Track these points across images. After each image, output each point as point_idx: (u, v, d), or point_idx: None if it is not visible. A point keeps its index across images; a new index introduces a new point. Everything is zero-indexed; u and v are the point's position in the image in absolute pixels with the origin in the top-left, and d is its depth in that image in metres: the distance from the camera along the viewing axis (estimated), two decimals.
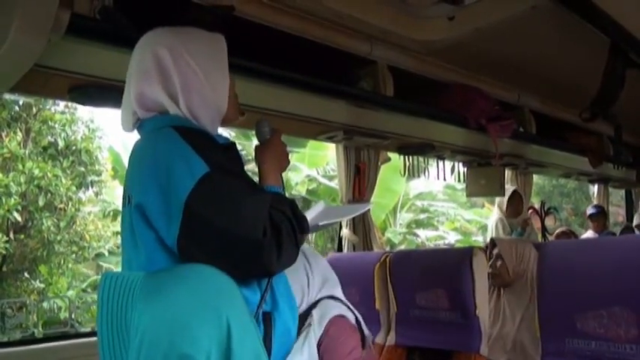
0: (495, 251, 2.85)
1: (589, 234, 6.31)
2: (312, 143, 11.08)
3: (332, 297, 1.83)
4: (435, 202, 15.94)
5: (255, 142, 1.88)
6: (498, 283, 2.84)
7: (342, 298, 1.86)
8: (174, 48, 1.63)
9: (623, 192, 7.70)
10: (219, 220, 1.42)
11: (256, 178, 1.74)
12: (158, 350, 1.26)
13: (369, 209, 3.69)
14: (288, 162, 1.84)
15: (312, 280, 1.80)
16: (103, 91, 2.37)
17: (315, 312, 1.74)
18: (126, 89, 1.69)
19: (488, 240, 3.50)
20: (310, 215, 1.67)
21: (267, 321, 1.56)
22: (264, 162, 1.76)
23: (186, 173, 1.44)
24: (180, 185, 1.42)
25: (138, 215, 1.50)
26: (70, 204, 9.78)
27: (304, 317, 1.76)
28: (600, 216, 6.33)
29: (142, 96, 1.63)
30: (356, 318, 1.85)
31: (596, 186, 7.02)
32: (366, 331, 1.88)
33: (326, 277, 1.86)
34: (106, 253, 11.57)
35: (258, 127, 1.85)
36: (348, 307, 1.84)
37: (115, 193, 13.11)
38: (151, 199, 1.47)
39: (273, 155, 1.78)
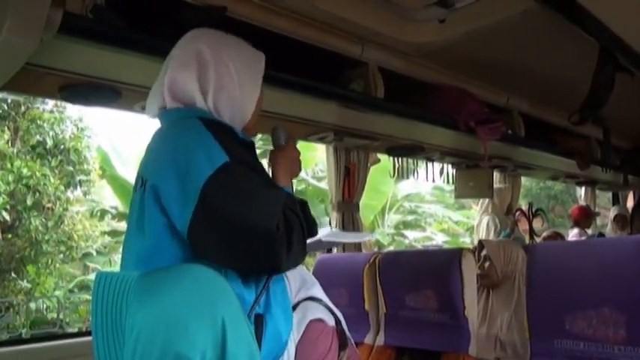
0: (484, 253, 2.87)
1: (575, 232, 6.34)
2: (301, 144, 11.07)
3: (311, 298, 1.83)
4: (423, 204, 15.98)
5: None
6: (487, 284, 2.86)
7: (322, 297, 1.85)
8: (217, 48, 1.69)
9: (610, 194, 7.73)
10: (234, 209, 1.45)
11: None
12: (153, 349, 1.26)
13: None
14: (300, 169, 1.88)
15: (288, 286, 1.80)
16: (94, 90, 2.37)
17: (294, 316, 1.74)
18: (160, 77, 1.73)
19: (476, 241, 3.52)
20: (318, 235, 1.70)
21: (258, 323, 1.56)
22: (278, 165, 1.80)
23: (205, 160, 1.46)
24: (198, 171, 1.45)
25: (151, 197, 1.53)
26: (58, 203, 9.74)
27: None
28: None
29: (174, 82, 1.67)
30: (336, 319, 1.85)
31: (583, 188, 7.06)
32: (347, 331, 1.88)
33: (303, 279, 1.86)
34: (94, 253, 11.53)
35: (275, 133, 1.89)
36: (328, 307, 1.84)
37: (103, 193, 13.08)
38: (167, 181, 1.50)
39: (287, 160, 1.82)
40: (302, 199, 1.71)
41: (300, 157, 1.88)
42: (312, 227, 1.64)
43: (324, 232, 1.75)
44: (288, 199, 1.59)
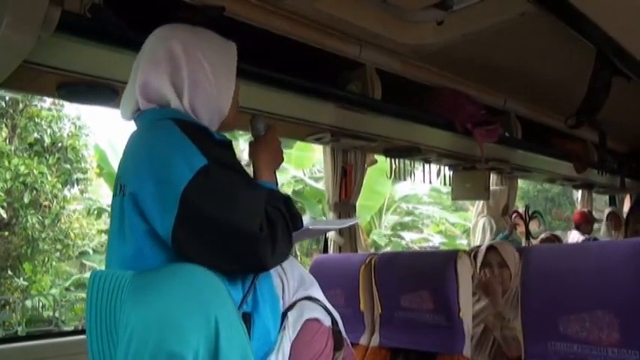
0: (496, 258, 2.85)
1: (574, 234, 6.37)
2: (298, 144, 11.09)
3: (309, 298, 1.82)
4: (420, 205, 16.01)
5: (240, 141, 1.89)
6: (500, 290, 2.80)
7: (320, 297, 1.84)
8: (188, 44, 1.64)
9: (607, 197, 7.75)
10: (216, 212, 1.43)
11: (250, 173, 1.75)
12: (146, 348, 1.26)
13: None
14: (282, 158, 1.86)
15: (286, 284, 1.80)
16: (92, 89, 2.37)
17: (290, 314, 1.73)
18: (131, 78, 1.69)
19: (472, 243, 3.51)
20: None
21: (246, 322, 1.55)
22: (259, 158, 1.77)
23: (184, 164, 1.44)
24: (177, 176, 1.42)
25: (130, 204, 1.50)
26: (55, 201, 9.75)
27: (281, 321, 1.76)
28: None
29: (146, 85, 1.63)
30: (332, 319, 1.84)
31: (580, 191, 7.08)
32: (343, 331, 1.87)
33: (302, 278, 1.84)
34: (91, 252, 11.53)
35: (253, 122, 1.85)
36: (325, 308, 1.82)
37: (100, 191, 13.07)
38: (146, 188, 1.47)
39: (268, 151, 1.79)
40: (285, 194, 1.69)
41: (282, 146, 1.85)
42: (296, 221, 1.62)
43: (307, 221, 1.73)
44: (269, 195, 1.57)
